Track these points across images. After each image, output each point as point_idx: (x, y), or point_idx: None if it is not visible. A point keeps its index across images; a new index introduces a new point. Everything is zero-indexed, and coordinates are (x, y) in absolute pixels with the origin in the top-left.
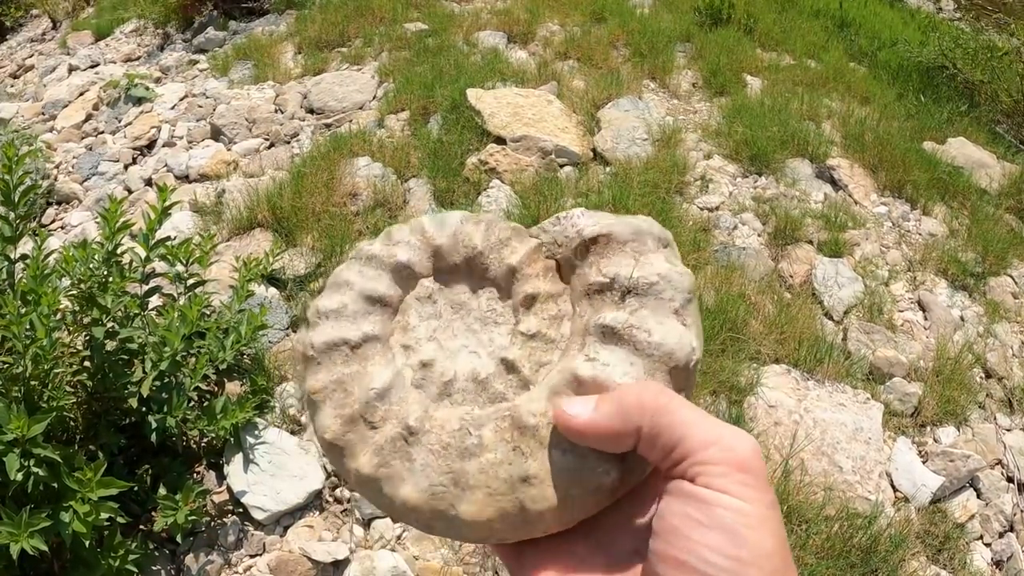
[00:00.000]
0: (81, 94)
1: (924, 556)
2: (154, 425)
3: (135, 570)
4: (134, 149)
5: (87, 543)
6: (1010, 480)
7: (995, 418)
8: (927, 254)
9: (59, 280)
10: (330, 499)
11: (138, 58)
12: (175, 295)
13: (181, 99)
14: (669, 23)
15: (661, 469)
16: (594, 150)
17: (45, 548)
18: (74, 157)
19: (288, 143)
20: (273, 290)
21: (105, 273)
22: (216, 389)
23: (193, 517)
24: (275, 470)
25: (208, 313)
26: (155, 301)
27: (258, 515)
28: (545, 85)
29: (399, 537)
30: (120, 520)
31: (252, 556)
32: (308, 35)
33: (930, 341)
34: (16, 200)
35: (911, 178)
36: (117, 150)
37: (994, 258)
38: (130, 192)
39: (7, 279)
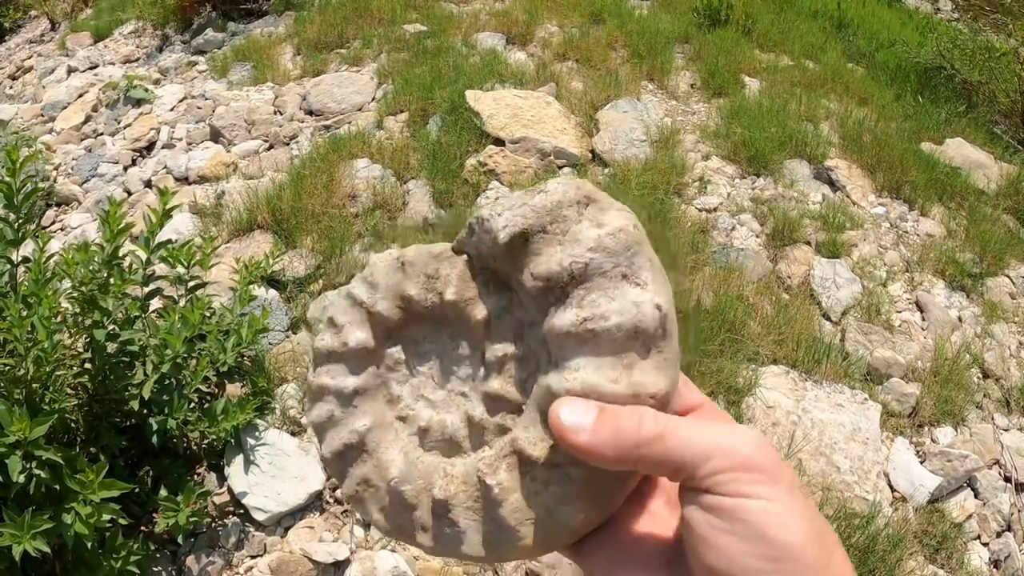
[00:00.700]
0: (80, 96)
1: (922, 556)
2: (155, 427)
3: (136, 571)
4: (133, 151)
5: (89, 544)
6: (1007, 480)
7: (993, 418)
8: (925, 255)
9: (60, 282)
10: (330, 500)
11: (137, 59)
12: (175, 297)
13: (180, 101)
14: (667, 24)
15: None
16: (593, 151)
17: (47, 550)
18: (73, 159)
19: (287, 144)
20: (273, 292)
21: (106, 275)
22: (216, 391)
23: (194, 518)
24: (276, 471)
25: (208, 315)
26: (155, 303)
27: (259, 516)
28: (544, 86)
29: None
30: (122, 521)
31: (253, 557)
32: (307, 36)
33: (928, 341)
34: (19, 203)
35: (909, 179)
36: (116, 152)
37: (992, 258)
38: (129, 194)
39: (9, 282)
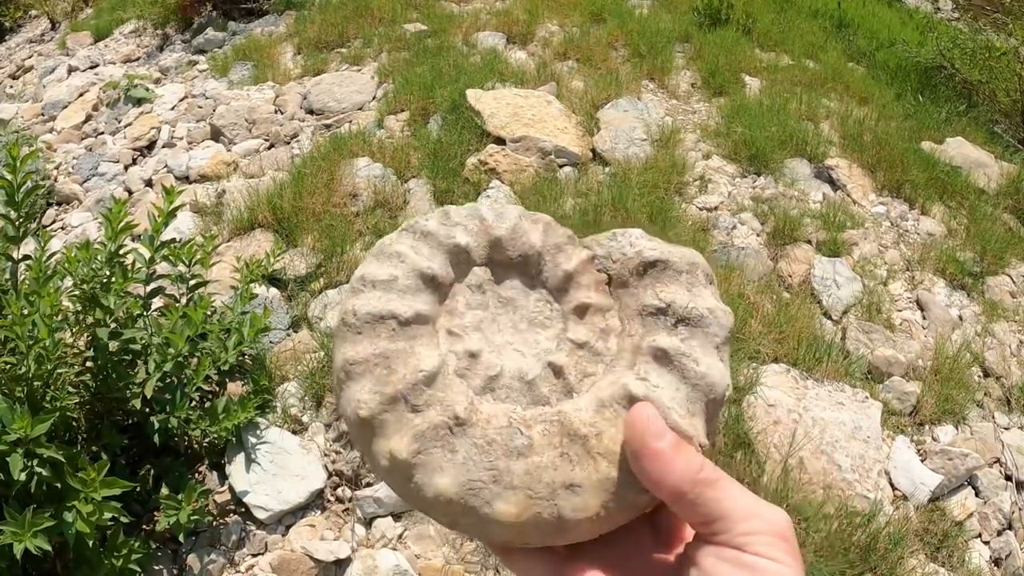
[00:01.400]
0: (81, 95)
1: (923, 554)
2: (157, 425)
3: (138, 570)
4: (134, 150)
5: (90, 543)
6: (1008, 478)
7: (993, 417)
8: (925, 254)
9: (61, 281)
10: (331, 498)
11: (137, 59)
12: (177, 296)
13: (181, 100)
14: (668, 23)
15: (695, 532)
16: (593, 150)
17: (48, 548)
18: (74, 158)
19: (288, 144)
20: (274, 290)
21: (108, 274)
22: (218, 390)
23: (195, 517)
24: (277, 470)
25: (210, 314)
26: (157, 302)
27: (260, 515)
28: (544, 86)
29: (400, 536)
30: (123, 520)
31: (254, 555)
32: (307, 36)
33: (928, 340)
34: (19, 201)
35: (909, 178)
36: (117, 151)
37: (992, 257)
38: (130, 193)
39: (10, 279)
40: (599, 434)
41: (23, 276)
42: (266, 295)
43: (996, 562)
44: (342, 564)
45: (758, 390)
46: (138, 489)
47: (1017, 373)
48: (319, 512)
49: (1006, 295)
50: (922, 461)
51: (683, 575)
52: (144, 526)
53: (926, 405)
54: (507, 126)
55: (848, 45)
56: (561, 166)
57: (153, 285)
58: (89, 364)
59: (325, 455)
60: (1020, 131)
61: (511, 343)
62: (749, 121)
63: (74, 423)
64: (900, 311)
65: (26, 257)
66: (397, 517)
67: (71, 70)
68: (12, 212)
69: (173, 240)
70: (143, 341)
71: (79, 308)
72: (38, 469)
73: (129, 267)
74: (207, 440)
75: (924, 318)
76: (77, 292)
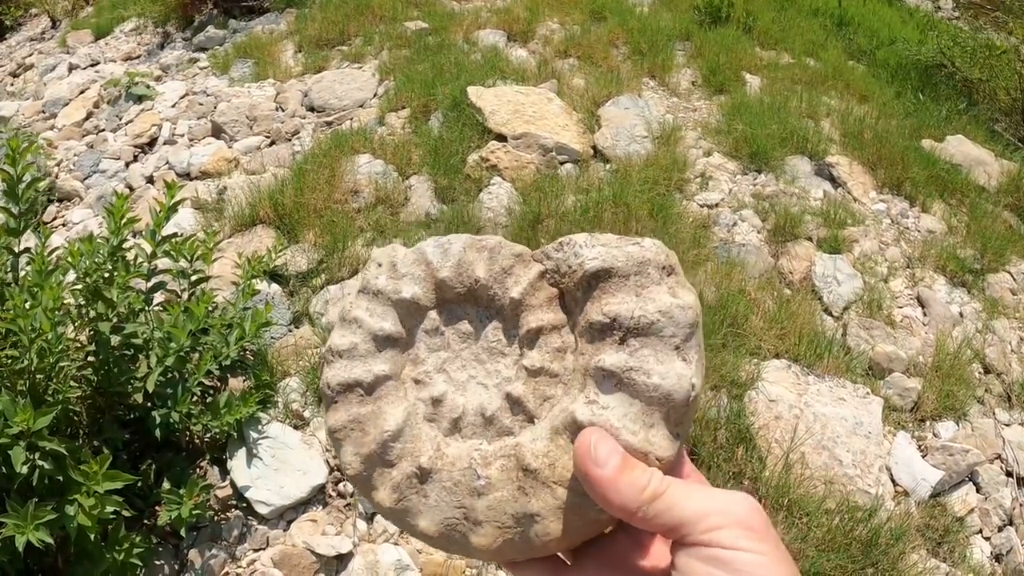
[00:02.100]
0: (81, 92)
1: (924, 549)
2: (158, 420)
3: (139, 564)
4: (135, 147)
5: (92, 536)
6: (1009, 474)
7: (994, 413)
8: (926, 251)
9: (63, 275)
10: (333, 493)
11: (138, 57)
12: (178, 291)
13: (182, 97)
14: (668, 22)
15: (664, 538)
16: (594, 147)
17: (50, 540)
18: (75, 155)
19: (289, 141)
20: (275, 286)
21: (110, 267)
22: (219, 385)
23: (197, 512)
24: (278, 465)
25: (211, 309)
26: (158, 297)
27: (261, 509)
28: (545, 83)
29: (402, 531)
30: (125, 514)
31: (256, 550)
32: (308, 33)
33: (929, 337)
34: (20, 194)
35: (910, 175)
36: (118, 148)
37: (992, 255)
38: (132, 189)
39: (12, 273)
40: (552, 464)
41: (25, 270)
42: (268, 291)
43: (997, 558)
44: (344, 559)
45: (759, 386)
46: (139, 484)
47: (1018, 370)
48: (320, 507)
49: (1006, 292)
50: (923, 457)
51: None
52: (145, 521)
53: (927, 401)
54: (508, 123)
55: (848, 43)
56: (562, 163)
57: (155, 280)
58: (91, 358)
59: (327, 450)
60: (1020, 129)
61: (474, 376)
62: (750, 119)
63: (76, 417)
64: (901, 308)
65: (27, 250)
66: None
67: (72, 68)
68: (13, 205)
69: (175, 235)
70: (145, 336)
71: (81, 302)
72: (40, 462)
73: (131, 261)
74: (209, 435)
75: (925, 315)
76: (80, 286)
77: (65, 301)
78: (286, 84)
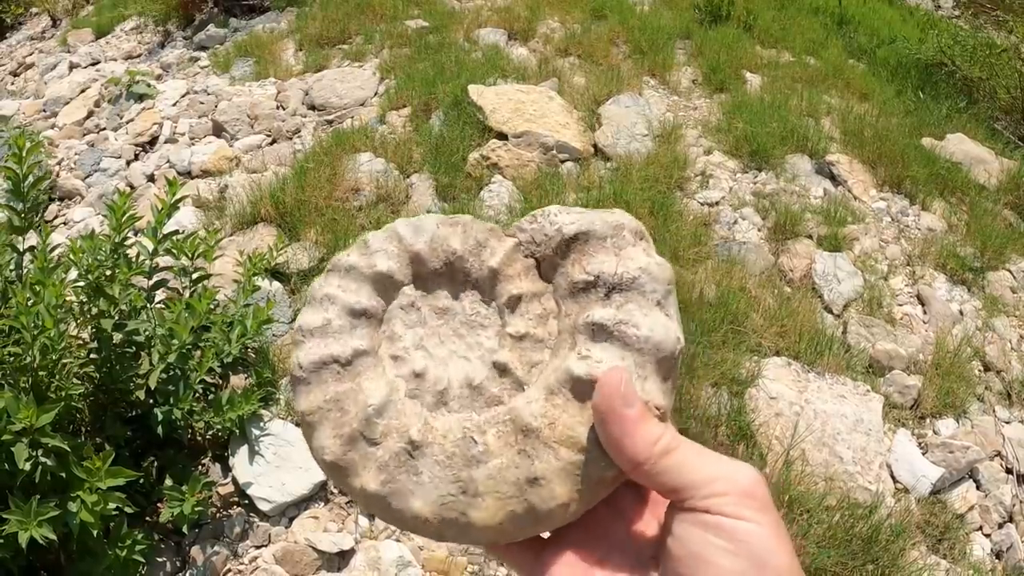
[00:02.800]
0: (82, 91)
1: (924, 546)
2: (160, 417)
3: (142, 560)
4: (136, 145)
5: (94, 533)
6: (1009, 472)
7: (994, 410)
8: (926, 249)
9: (66, 272)
10: (335, 490)
11: (139, 55)
12: (180, 289)
13: (182, 96)
14: (669, 20)
15: (664, 499)
16: (595, 146)
17: (53, 537)
18: (76, 154)
19: (290, 139)
20: (277, 284)
21: (112, 265)
22: (221, 382)
23: (199, 509)
24: (280, 462)
25: (213, 306)
26: (160, 295)
27: (263, 506)
28: (546, 82)
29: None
30: (127, 510)
31: (258, 547)
32: (309, 32)
33: (929, 335)
34: (25, 191)
35: (910, 174)
36: (119, 147)
37: (992, 253)
38: (133, 188)
39: (15, 270)
40: (552, 423)
41: (28, 267)
42: (269, 288)
43: (997, 555)
44: (346, 555)
45: (760, 383)
46: (142, 481)
47: (1018, 367)
48: (322, 504)
49: (1006, 290)
50: (923, 454)
51: (662, 542)
52: (147, 518)
53: (927, 399)
54: (509, 121)
55: (849, 42)
56: (563, 161)
57: (156, 278)
58: (93, 355)
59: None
60: (1020, 128)
61: (455, 351)
62: (750, 117)
63: (78, 414)
64: (901, 306)
65: (31, 248)
66: None
67: (72, 67)
68: (18, 203)
69: (176, 232)
70: (147, 333)
71: (83, 299)
72: (43, 459)
73: (133, 259)
74: (210, 432)
75: (925, 313)
76: (82, 283)
77: (67, 298)
78: (287, 83)
